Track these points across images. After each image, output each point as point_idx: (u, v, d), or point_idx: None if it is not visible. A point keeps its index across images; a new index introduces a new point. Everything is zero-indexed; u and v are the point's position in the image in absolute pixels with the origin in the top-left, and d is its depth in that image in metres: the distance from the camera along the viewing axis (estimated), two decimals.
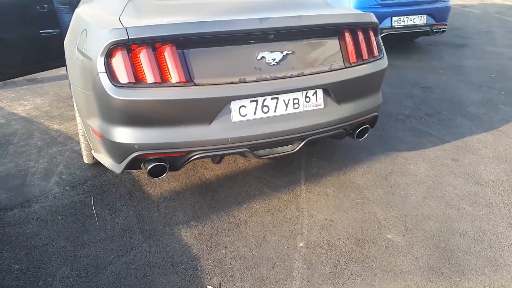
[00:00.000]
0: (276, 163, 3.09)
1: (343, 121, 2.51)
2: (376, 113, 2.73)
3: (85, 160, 3.01)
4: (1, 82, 4.60)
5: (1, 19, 3.55)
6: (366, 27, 2.57)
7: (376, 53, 2.63)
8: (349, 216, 2.51)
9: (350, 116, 2.54)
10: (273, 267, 2.12)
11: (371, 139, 3.51)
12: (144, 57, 2.07)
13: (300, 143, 2.47)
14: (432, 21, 6.06)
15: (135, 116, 2.12)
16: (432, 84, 4.95)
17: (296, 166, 3.06)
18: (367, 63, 2.57)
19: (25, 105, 4.25)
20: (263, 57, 2.25)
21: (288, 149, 2.51)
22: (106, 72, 2.08)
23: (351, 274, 2.09)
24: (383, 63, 2.65)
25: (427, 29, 6.04)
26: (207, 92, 2.14)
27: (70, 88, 2.75)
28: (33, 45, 3.87)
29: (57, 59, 3.89)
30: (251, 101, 2.23)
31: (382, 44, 2.73)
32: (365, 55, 2.55)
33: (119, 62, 2.06)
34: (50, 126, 3.72)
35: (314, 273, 2.09)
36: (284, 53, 2.29)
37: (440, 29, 6.16)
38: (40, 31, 3.87)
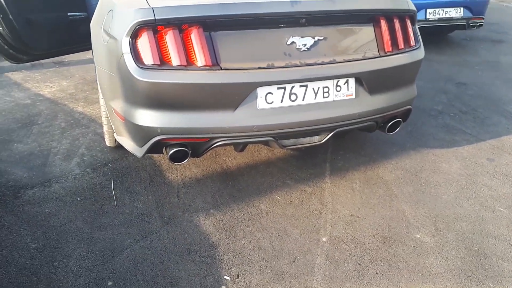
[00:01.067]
0: (301, 155, 2.99)
1: (375, 113, 2.38)
2: (410, 107, 2.59)
3: (107, 143, 2.98)
4: (29, 64, 4.63)
5: (29, 0, 3.54)
6: (403, 15, 2.43)
7: (412, 42, 2.48)
8: (376, 212, 2.40)
9: (383, 108, 2.41)
10: (294, 261, 2.03)
11: (402, 134, 3.36)
12: (170, 38, 1.99)
13: (328, 135, 2.36)
14: (469, 14, 5.79)
15: (159, 99, 2.05)
16: (467, 80, 4.72)
17: (321, 158, 2.95)
18: (403, 53, 2.42)
19: (51, 86, 4.26)
20: (293, 42, 2.14)
21: (315, 140, 2.41)
22: (131, 53, 2.01)
23: (376, 273, 1.98)
24: (420, 53, 2.51)
25: (463, 22, 5.77)
26: (233, 76, 2.05)
27: (95, 70, 2.71)
28: (60, 27, 3.85)
29: (84, 42, 3.86)
30: (278, 88, 2.13)
31: (419, 33, 2.58)
32: (401, 44, 2.41)
33: (144, 43, 2.00)
34: (74, 108, 3.71)
35: (336, 269, 2.00)
36: (316, 38, 2.18)
37: (477, 23, 5.87)
38: (68, 14, 3.85)
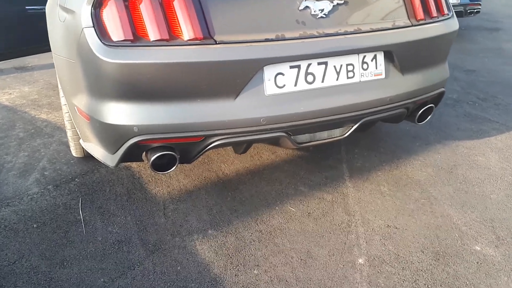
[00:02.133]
0: (310, 156, 2.48)
1: (408, 97, 1.91)
2: (443, 89, 2.12)
3: (74, 153, 2.42)
4: None
5: None
6: None
7: (445, 10, 2.03)
8: (417, 221, 1.91)
9: (416, 91, 1.93)
10: None
11: (421, 126, 2.90)
12: (145, 5, 1.48)
13: (352, 126, 1.87)
14: (466, 1, 5.45)
15: (133, 87, 1.53)
16: (475, 67, 4.33)
17: (335, 158, 2.46)
18: (437, 22, 1.96)
19: (10, 93, 3.67)
20: (307, 6, 1.65)
21: (337, 134, 1.91)
22: (93, 26, 1.50)
23: None
24: (454, 23, 2.05)
25: (461, 9, 5.43)
26: (232, 52, 1.54)
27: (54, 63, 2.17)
28: (17, 23, 3.30)
29: (47, 40, 3.33)
30: (291, 67, 1.63)
31: (450, 1, 2.13)
32: (433, 11, 1.95)
33: (111, 12, 1.48)
34: (37, 116, 3.14)
35: None
36: (335, 2, 1.69)
37: (475, 9, 5.54)
38: (26, 8, 3.31)
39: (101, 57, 1.49)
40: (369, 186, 2.18)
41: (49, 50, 3.49)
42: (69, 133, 2.29)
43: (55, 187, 2.17)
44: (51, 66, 4.38)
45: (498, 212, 1.97)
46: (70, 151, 2.47)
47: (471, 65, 4.39)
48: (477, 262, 1.66)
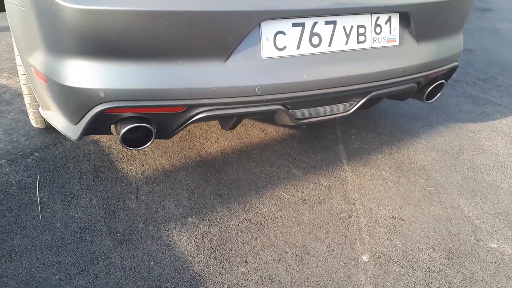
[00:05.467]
0: (303, 135, 2.23)
1: (423, 68, 1.66)
2: (456, 63, 1.89)
3: (34, 124, 2.10)
4: None
5: None
6: None
7: None
8: (425, 212, 1.69)
9: (432, 63, 1.69)
10: None
11: (421, 106, 2.68)
12: None
13: (359, 101, 1.62)
14: None
15: (100, 40, 1.23)
16: (472, 46, 4.13)
17: (331, 139, 2.21)
18: None
19: None
20: None
21: (340, 110, 1.66)
22: None
23: None
24: None
25: None
26: (223, 1, 1.25)
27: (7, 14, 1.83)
28: None
29: None
30: (294, 25, 1.36)
31: None
32: None
33: None
34: None
35: None
36: None
37: None
38: None
39: (61, 2, 1.19)
40: (369, 170, 1.95)
41: None
42: (27, 100, 1.96)
43: (9, 161, 1.86)
44: None
45: None
46: (30, 121, 2.15)
47: (468, 45, 4.19)
48: (495, 262, 1.45)
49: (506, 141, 2.30)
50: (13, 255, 1.36)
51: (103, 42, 1.23)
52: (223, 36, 1.28)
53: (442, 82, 1.88)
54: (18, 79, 2.81)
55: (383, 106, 2.65)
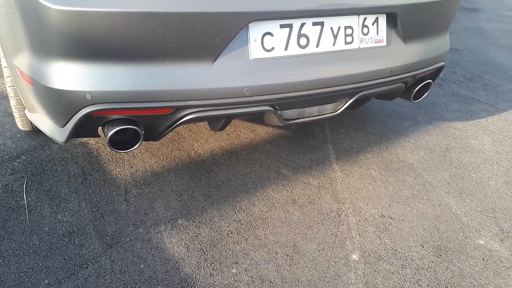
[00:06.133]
0: (292, 134, 2.24)
1: (410, 68, 1.68)
2: (443, 63, 1.91)
3: (20, 126, 2.07)
4: None
5: None
6: None
7: None
8: (414, 210, 1.70)
9: (418, 63, 1.70)
10: None
11: (409, 105, 2.71)
12: None
13: (347, 102, 1.63)
14: None
15: (85, 42, 1.22)
16: (458, 46, 4.18)
17: (320, 138, 2.22)
18: None
19: None
20: None
21: (328, 110, 1.67)
22: None
23: None
24: None
25: None
26: (210, 2, 1.25)
27: None
28: None
29: None
30: (281, 26, 1.36)
31: None
32: None
33: None
34: None
35: None
36: None
37: None
38: None
39: (46, 3, 1.18)
40: (358, 169, 1.96)
41: None
42: (13, 102, 1.93)
43: None
44: None
45: (499, 201, 1.80)
46: (16, 123, 2.12)
47: (454, 44, 4.24)
48: (483, 259, 1.47)
49: (492, 139, 2.33)
50: (1, 260, 1.34)
51: (88, 44, 1.22)
52: (211, 38, 1.28)
53: (429, 82, 1.90)
54: (4, 80, 2.77)
55: (372, 105, 2.67)
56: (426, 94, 1.95)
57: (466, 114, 2.64)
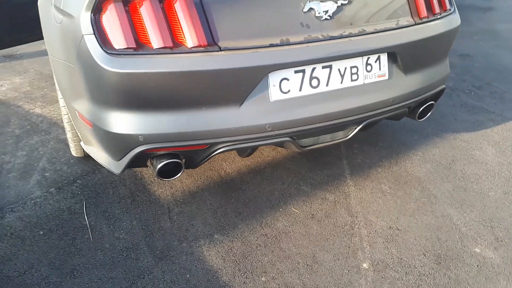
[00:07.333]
0: (310, 152, 2.49)
1: (411, 96, 1.91)
2: (444, 86, 2.13)
3: (74, 153, 2.40)
4: None
5: None
6: None
7: (447, 5, 2.02)
8: (418, 222, 1.94)
9: (419, 90, 1.94)
10: None
11: None
12: (147, 10, 1.45)
13: (355, 128, 1.88)
14: None
15: (137, 96, 1.51)
16: (470, 51, 4.32)
17: (335, 155, 2.47)
18: (439, 18, 1.95)
19: (1, 85, 3.59)
20: (311, 8, 1.62)
21: (340, 136, 1.92)
22: (94, 33, 1.47)
23: None
24: (456, 19, 2.03)
25: None
26: (237, 60, 1.52)
27: (50, 62, 2.12)
28: (3, 13, 3.20)
29: (35, 30, 3.23)
30: (296, 72, 1.62)
31: None
32: (435, 8, 1.93)
33: (112, 19, 1.45)
34: (31, 110, 3.09)
35: None
36: (339, 3, 1.67)
37: None
38: None
39: (103, 66, 1.46)
40: (370, 184, 2.20)
41: (37, 39, 3.42)
42: (69, 135, 2.26)
43: (58, 189, 2.16)
44: (40, 54, 4.30)
45: (496, 211, 2.01)
46: (69, 150, 2.45)
47: (466, 49, 4.38)
48: (477, 265, 1.70)
49: (496, 150, 2.53)
50: (75, 273, 1.66)
51: (140, 97, 1.51)
52: (238, 87, 1.55)
53: (432, 103, 2.12)
54: (51, 107, 3.13)
55: (384, 121, 2.89)
56: (429, 113, 2.17)
57: (473, 125, 2.83)
